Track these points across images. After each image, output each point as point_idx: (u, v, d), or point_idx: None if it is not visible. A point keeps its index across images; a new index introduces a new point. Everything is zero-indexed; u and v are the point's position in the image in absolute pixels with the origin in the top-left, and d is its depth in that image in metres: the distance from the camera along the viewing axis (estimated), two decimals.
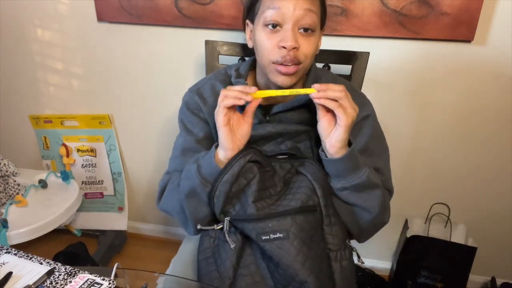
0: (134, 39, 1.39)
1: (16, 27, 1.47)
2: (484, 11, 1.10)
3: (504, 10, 1.11)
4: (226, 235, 0.74)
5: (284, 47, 0.71)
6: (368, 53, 1.02)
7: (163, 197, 0.85)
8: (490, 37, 1.15)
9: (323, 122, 0.72)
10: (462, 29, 1.12)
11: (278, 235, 0.70)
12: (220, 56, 1.10)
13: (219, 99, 0.70)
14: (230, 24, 1.25)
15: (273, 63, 0.73)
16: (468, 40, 1.16)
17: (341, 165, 0.73)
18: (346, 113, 0.68)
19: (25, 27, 1.46)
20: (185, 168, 0.79)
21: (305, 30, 0.72)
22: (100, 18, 1.36)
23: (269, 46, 0.73)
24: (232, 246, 0.74)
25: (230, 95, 0.68)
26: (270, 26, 0.72)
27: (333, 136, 0.71)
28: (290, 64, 0.72)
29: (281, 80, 0.75)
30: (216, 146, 0.74)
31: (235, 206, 0.74)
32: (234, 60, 1.08)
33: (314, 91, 0.68)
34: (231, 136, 0.72)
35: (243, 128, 0.73)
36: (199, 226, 0.79)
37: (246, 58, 1.05)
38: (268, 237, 0.70)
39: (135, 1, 1.29)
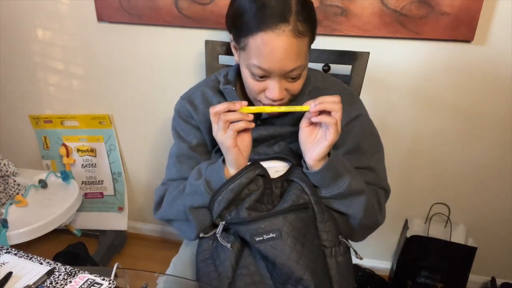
0: (134, 39, 1.39)
1: (16, 27, 1.47)
2: (484, 11, 1.10)
3: (504, 10, 1.11)
4: (219, 238, 0.76)
5: (270, 98, 0.72)
6: (368, 53, 1.02)
7: (162, 207, 0.85)
8: (490, 37, 1.15)
9: (304, 132, 0.73)
10: (462, 29, 1.12)
11: (271, 235, 0.71)
12: (220, 56, 1.10)
13: (221, 124, 0.70)
14: None
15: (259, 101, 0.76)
16: (468, 40, 1.16)
17: (318, 177, 0.74)
18: (337, 131, 0.69)
19: (25, 27, 1.46)
20: (189, 183, 0.79)
21: (293, 78, 0.72)
22: (100, 18, 1.36)
23: (254, 89, 0.74)
24: (228, 246, 0.75)
25: (236, 118, 0.69)
26: (257, 77, 0.71)
27: (314, 150, 0.72)
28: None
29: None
30: (223, 161, 0.75)
31: (232, 212, 0.76)
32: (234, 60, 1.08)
33: (307, 108, 0.70)
34: (240, 154, 0.73)
35: (245, 140, 0.75)
36: (201, 235, 0.81)
37: None
38: (262, 238, 0.71)
39: (135, 1, 1.29)
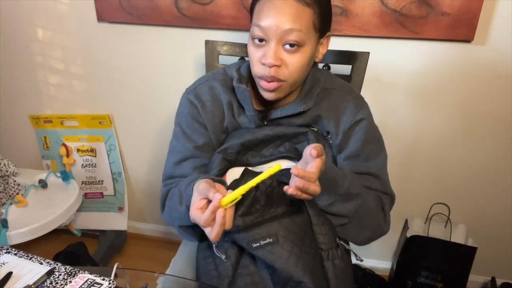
0: (134, 39, 1.39)
1: (16, 27, 1.47)
2: (484, 11, 1.10)
3: (504, 10, 1.11)
4: (215, 248, 0.75)
5: (265, 64, 0.70)
6: (368, 53, 1.02)
7: (165, 211, 0.84)
8: (490, 37, 1.15)
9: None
10: (462, 29, 1.12)
11: (268, 240, 0.70)
12: (220, 56, 1.10)
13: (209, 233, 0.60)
14: (230, 24, 1.25)
15: (258, 77, 0.74)
16: (468, 40, 1.16)
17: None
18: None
19: (25, 27, 1.46)
20: (174, 207, 0.76)
21: (291, 45, 0.70)
22: (100, 18, 1.36)
23: (254, 59, 0.73)
24: (223, 257, 0.75)
25: (215, 233, 0.59)
26: (256, 40, 0.71)
27: None
28: (271, 80, 0.72)
29: (265, 95, 0.75)
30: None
31: None
32: (234, 60, 1.08)
33: (278, 166, 0.60)
34: None
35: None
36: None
37: (246, 58, 1.05)
38: (259, 244, 0.70)
39: (135, 1, 1.29)
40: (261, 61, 0.71)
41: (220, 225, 0.58)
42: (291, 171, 0.61)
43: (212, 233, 0.59)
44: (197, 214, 0.61)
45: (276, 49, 0.69)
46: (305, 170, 0.62)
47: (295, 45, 0.70)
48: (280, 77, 0.71)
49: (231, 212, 0.61)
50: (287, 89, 0.75)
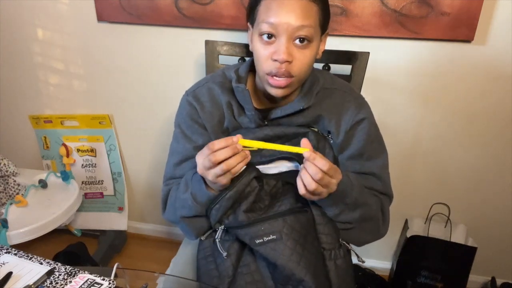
0: (134, 39, 1.39)
1: (16, 27, 1.47)
2: (484, 11, 1.10)
3: (504, 10, 1.11)
4: (218, 243, 0.76)
5: (277, 60, 0.70)
6: (368, 53, 1.02)
7: (166, 210, 0.85)
8: (490, 37, 1.15)
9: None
10: (462, 29, 1.12)
11: (271, 237, 0.70)
12: (220, 56, 1.10)
13: (218, 170, 0.66)
14: (230, 24, 1.25)
15: (267, 74, 0.73)
16: (468, 40, 1.16)
17: (323, 203, 0.75)
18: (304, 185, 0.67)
19: (25, 27, 1.46)
20: (178, 196, 0.79)
21: (301, 41, 0.70)
22: (100, 18, 1.36)
23: (263, 56, 0.72)
24: (224, 254, 0.75)
25: (234, 163, 0.66)
26: (265, 37, 0.71)
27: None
28: (282, 76, 0.71)
29: (273, 92, 0.75)
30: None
31: (229, 216, 0.76)
32: (234, 60, 1.08)
33: (307, 150, 0.66)
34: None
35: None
36: (203, 238, 0.82)
37: (246, 58, 1.05)
38: (262, 240, 0.71)
39: (135, 1, 1.29)
40: (272, 57, 0.70)
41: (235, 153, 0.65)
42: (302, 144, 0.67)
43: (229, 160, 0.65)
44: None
45: (287, 45, 0.69)
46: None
47: (306, 40, 0.70)
48: (291, 72, 0.71)
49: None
50: (295, 85, 0.75)
